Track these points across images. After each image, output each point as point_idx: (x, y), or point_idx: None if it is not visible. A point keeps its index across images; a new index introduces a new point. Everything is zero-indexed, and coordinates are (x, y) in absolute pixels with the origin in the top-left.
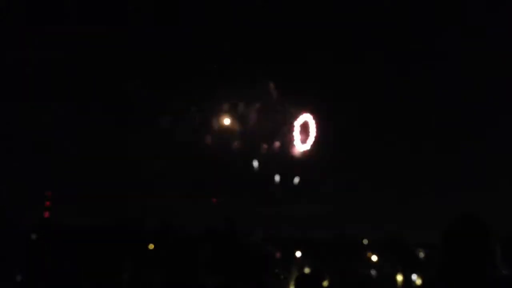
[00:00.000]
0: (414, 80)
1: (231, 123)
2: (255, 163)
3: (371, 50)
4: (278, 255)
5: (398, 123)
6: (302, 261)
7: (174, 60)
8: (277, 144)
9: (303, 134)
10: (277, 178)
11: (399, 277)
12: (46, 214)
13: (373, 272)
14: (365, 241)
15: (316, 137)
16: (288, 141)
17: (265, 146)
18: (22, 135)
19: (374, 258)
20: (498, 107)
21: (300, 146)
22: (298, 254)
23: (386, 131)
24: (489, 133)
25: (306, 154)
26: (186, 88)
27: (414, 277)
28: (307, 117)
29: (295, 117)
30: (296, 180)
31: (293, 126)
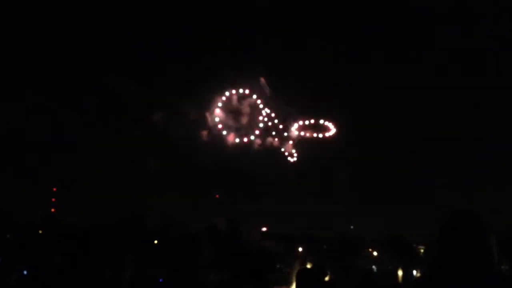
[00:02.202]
0: (414, 79)
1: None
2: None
3: (371, 48)
4: (279, 250)
5: (400, 125)
6: (304, 257)
7: (167, 58)
8: (270, 140)
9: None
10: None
11: (400, 273)
12: (52, 210)
13: (374, 267)
14: (366, 238)
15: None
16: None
17: (258, 141)
18: (25, 135)
19: (375, 254)
20: (498, 109)
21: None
22: (300, 249)
23: (387, 133)
24: (489, 133)
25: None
26: (179, 85)
27: (414, 272)
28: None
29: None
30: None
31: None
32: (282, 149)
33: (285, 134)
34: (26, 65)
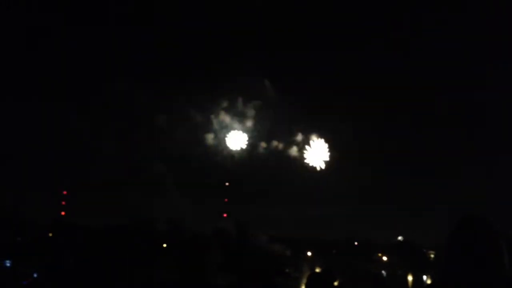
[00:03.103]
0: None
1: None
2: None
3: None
4: (288, 254)
5: (409, 130)
6: (313, 261)
7: (171, 59)
8: (275, 143)
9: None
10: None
11: (410, 278)
12: (62, 213)
13: (383, 272)
14: (376, 242)
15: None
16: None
17: (263, 145)
18: (36, 138)
19: (385, 259)
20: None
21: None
22: (309, 254)
23: (397, 143)
24: (493, 137)
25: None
26: (185, 88)
27: (424, 277)
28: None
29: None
30: None
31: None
32: (292, 154)
33: (295, 138)
34: (32, 69)
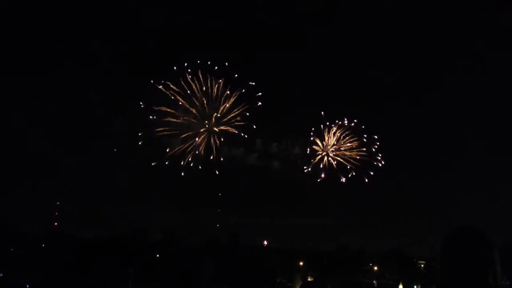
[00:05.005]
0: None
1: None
2: None
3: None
4: (280, 264)
5: (404, 149)
6: (305, 270)
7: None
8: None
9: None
10: None
11: (401, 287)
12: (55, 224)
13: (374, 282)
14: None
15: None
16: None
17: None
18: (27, 150)
19: (376, 269)
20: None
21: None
22: (301, 264)
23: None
24: (488, 147)
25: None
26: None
27: (415, 287)
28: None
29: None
30: None
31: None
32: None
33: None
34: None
